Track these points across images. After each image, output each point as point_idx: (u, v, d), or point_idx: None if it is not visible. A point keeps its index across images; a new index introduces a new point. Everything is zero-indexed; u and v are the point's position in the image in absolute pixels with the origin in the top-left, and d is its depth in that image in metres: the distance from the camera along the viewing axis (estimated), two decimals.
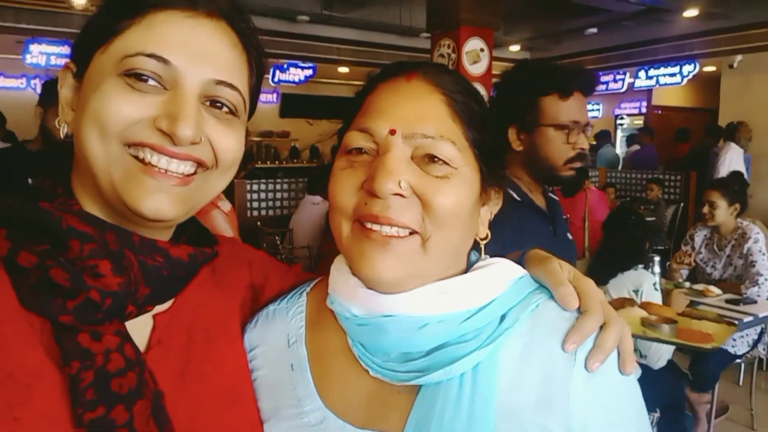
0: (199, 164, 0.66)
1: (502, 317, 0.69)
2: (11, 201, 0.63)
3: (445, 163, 0.68)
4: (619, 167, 9.08)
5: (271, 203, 6.19)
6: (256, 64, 0.73)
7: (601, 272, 2.95)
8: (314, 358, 0.77)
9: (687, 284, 3.61)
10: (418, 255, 0.67)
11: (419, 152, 0.68)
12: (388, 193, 0.65)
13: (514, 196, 1.67)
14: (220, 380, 0.73)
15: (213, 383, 0.72)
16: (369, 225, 0.67)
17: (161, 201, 0.63)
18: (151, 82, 0.63)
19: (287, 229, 5.43)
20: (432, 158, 0.68)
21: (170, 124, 0.61)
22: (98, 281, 0.60)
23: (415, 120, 0.68)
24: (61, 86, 0.70)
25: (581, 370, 0.65)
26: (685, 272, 3.76)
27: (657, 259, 3.42)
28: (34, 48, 7.61)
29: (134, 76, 0.62)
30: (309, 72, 10.12)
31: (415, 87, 0.71)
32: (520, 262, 0.78)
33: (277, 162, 11.24)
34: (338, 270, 0.76)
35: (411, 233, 0.67)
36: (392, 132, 0.68)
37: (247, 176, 6.09)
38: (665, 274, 3.62)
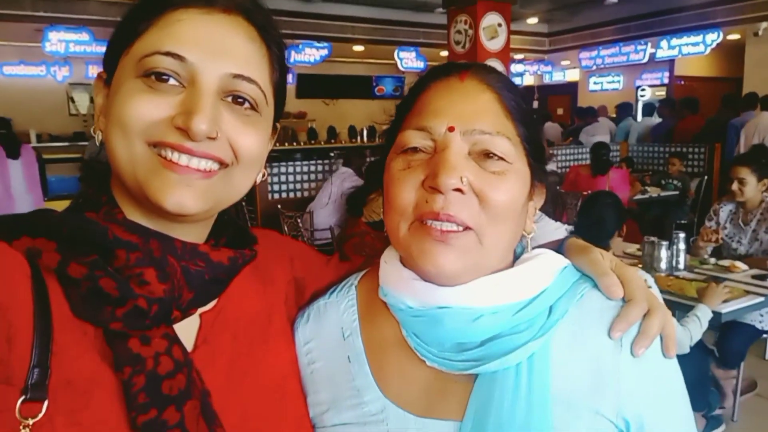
0: (219, 162, 0.66)
1: (551, 307, 0.71)
2: (60, 214, 0.64)
3: (501, 158, 0.70)
4: (634, 139, 8.83)
5: (291, 185, 6.21)
6: (278, 59, 0.72)
7: None
8: (370, 350, 0.79)
9: (712, 260, 3.58)
10: (475, 249, 0.69)
11: (476, 148, 0.70)
12: (450, 187, 0.67)
13: None
14: (265, 376, 0.75)
15: (258, 379, 0.74)
16: (429, 222, 0.69)
17: (184, 195, 0.63)
18: (171, 81, 0.63)
19: (307, 212, 5.47)
20: (488, 154, 0.70)
21: (186, 120, 0.62)
22: (144, 289, 0.61)
23: (472, 117, 0.70)
24: (96, 95, 0.70)
25: (628, 356, 0.68)
26: (710, 248, 3.72)
27: (681, 235, 3.39)
28: (53, 35, 7.67)
29: (153, 76, 0.63)
30: (324, 51, 10.03)
31: (469, 86, 0.73)
32: (559, 250, 0.80)
33: (294, 143, 11.18)
34: (389, 263, 0.78)
35: (465, 229, 0.68)
36: (451, 129, 0.69)
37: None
38: (690, 250, 3.59)
